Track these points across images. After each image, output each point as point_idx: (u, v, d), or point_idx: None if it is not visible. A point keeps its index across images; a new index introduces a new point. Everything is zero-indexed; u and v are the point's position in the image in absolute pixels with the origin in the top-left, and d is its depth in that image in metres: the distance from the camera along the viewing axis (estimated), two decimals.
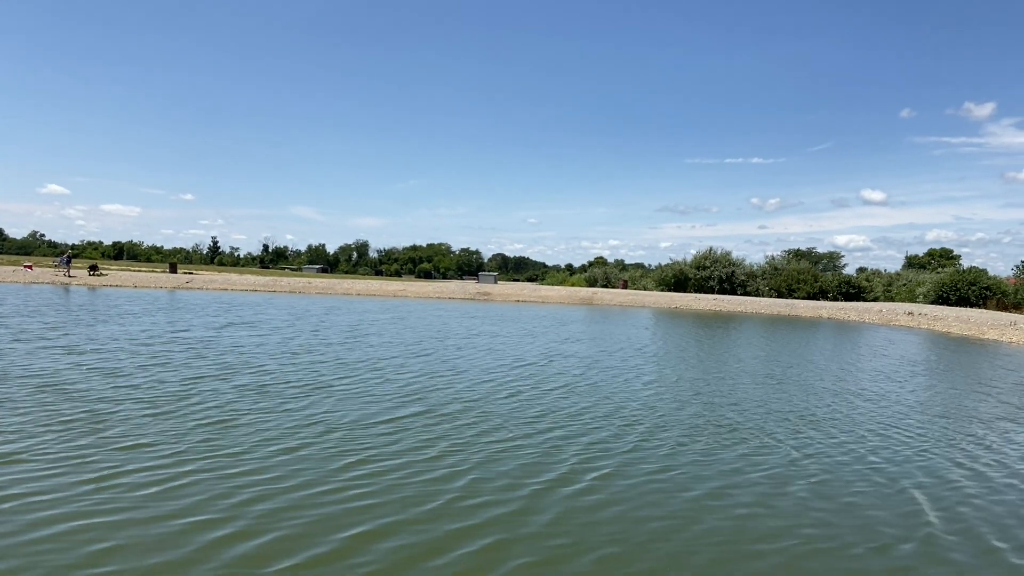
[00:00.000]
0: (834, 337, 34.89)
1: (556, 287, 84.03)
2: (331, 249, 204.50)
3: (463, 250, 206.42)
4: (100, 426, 10.79)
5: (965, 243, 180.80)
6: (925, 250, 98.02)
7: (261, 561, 6.61)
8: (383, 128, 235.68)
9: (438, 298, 57.95)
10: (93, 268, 61.00)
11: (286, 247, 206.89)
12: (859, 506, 8.88)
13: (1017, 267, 70.76)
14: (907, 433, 13.03)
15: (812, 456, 11.11)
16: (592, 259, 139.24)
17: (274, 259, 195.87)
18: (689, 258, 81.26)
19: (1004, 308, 55.68)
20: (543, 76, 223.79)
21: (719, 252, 79.36)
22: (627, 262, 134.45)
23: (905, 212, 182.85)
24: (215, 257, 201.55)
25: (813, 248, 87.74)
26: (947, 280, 62.61)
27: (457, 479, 9.16)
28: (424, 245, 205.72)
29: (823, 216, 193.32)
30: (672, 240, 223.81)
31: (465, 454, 10.29)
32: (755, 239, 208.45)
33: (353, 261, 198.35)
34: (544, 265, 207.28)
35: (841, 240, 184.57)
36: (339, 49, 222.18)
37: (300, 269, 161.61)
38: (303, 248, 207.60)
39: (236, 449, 9.98)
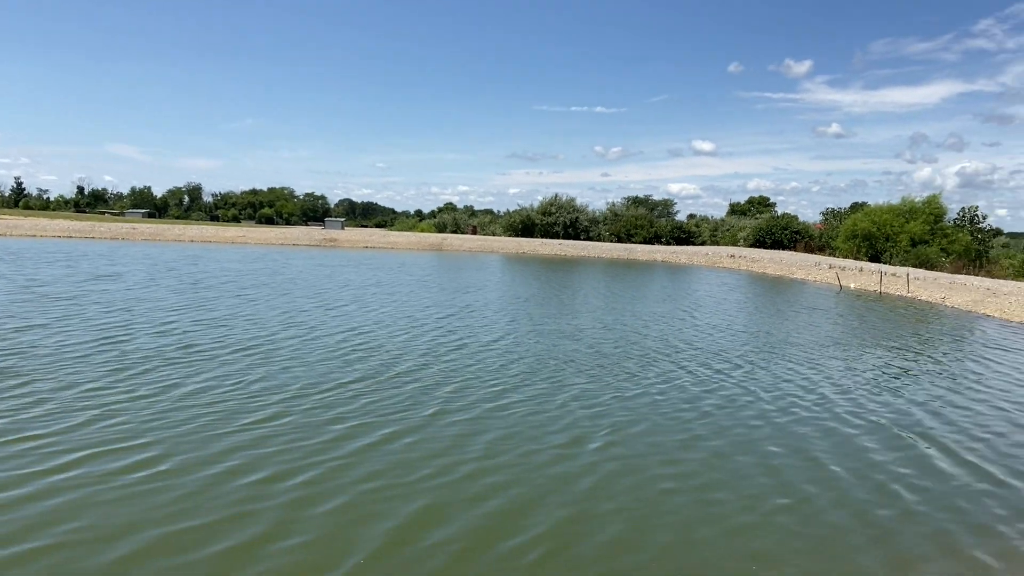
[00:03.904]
0: (669, 279, 37.52)
1: (406, 233, 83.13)
2: (158, 192, 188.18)
3: (308, 195, 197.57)
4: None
5: (781, 191, 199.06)
6: (747, 198, 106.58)
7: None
8: (213, 58, 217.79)
9: (281, 245, 55.50)
10: None
11: (105, 190, 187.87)
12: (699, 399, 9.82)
13: (823, 213, 78.93)
14: (742, 360, 14.45)
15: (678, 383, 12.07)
16: (442, 205, 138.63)
17: (91, 203, 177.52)
18: (536, 204, 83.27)
19: (811, 250, 62.14)
20: (391, 9, 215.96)
21: (564, 199, 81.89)
22: (476, 208, 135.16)
23: (731, 162, 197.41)
24: (20, 200, 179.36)
25: (650, 195, 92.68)
26: (764, 225, 68.79)
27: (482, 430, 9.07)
28: (265, 189, 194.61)
29: (660, 165, 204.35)
30: (521, 186, 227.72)
31: (472, 406, 10.18)
32: (598, 186, 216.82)
33: (185, 206, 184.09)
34: (393, 211, 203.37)
35: (675, 188, 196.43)
36: None
37: (123, 214, 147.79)
38: (125, 191, 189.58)
39: (237, 431, 9.23)
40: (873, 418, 10.84)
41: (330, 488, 7.22)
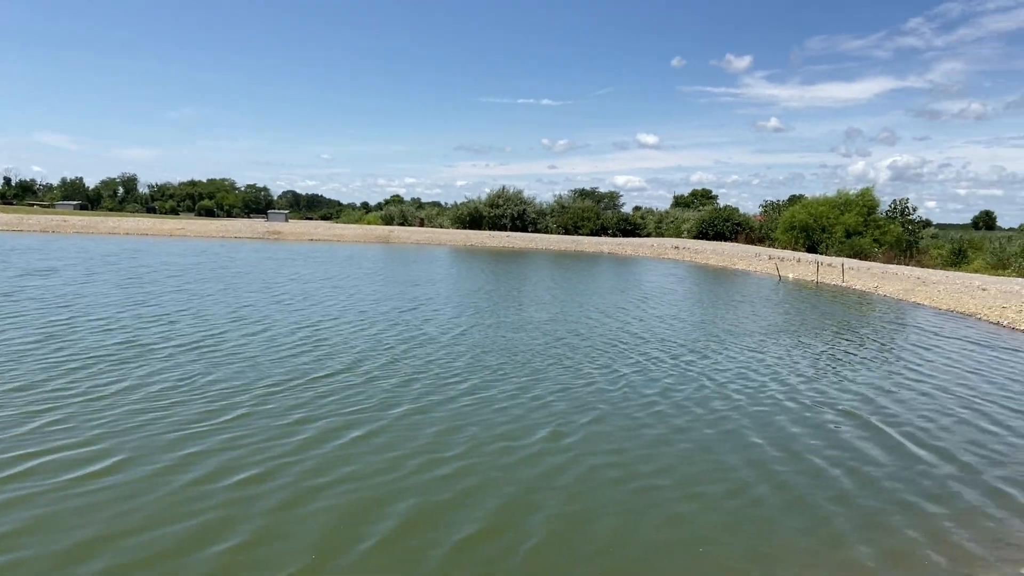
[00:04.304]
0: (617, 271, 37.99)
1: (352, 225, 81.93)
2: (91, 183, 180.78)
3: (249, 187, 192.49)
4: None
5: (723, 184, 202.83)
6: (690, 190, 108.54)
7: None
8: (149, 44, 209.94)
9: (223, 238, 54.09)
10: None
11: (34, 180, 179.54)
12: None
13: (763, 206, 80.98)
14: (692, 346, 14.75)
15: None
16: (389, 197, 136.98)
17: (19, 194, 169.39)
18: (484, 197, 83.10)
19: (752, 242, 63.73)
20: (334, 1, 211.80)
21: (512, 191, 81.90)
22: (424, 200, 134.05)
23: (674, 155, 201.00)
24: None
25: (596, 188, 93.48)
26: (707, 217, 70.25)
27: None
28: (204, 180, 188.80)
29: (606, 157, 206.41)
30: (468, 179, 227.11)
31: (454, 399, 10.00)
32: (545, 178, 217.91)
33: (119, 198, 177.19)
34: (339, 203, 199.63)
35: (620, 180, 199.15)
36: None
37: (53, 205, 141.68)
38: (55, 182, 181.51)
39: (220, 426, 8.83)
40: (813, 404, 11.17)
41: (274, 486, 7.05)
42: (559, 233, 76.12)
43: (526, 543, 6.23)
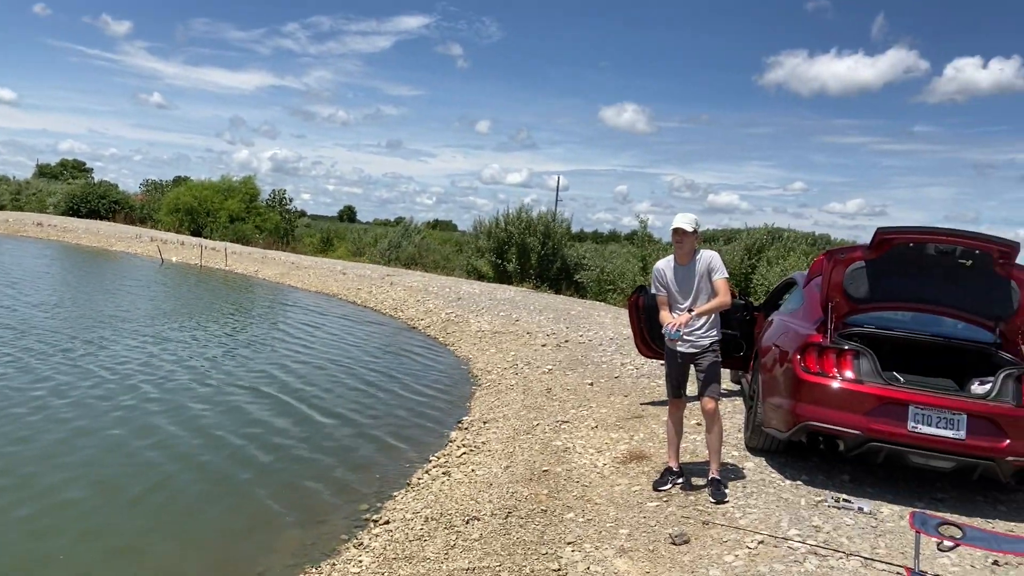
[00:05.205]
0: None
1: None
2: None
3: None
4: None
5: (99, 157, 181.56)
6: (59, 160, 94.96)
7: None
8: None
9: None
10: None
11: None
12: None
13: (145, 184, 76.62)
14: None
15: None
16: None
17: None
18: None
19: (132, 222, 59.62)
20: None
21: None
22: None
23: (38, 117, 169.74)
24: None
25: None
26: (79, 192, 62.76)
27: None
28: None
29: None
30: None
31: None
32: None
33: None
34: None
35: None
36: None
37: None
38: None
39: None
40: (223, 385, 11.38)
41: None
42: None
43: None
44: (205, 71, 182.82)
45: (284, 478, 7.88)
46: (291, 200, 58.77)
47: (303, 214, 66.92)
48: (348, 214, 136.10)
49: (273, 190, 59.15)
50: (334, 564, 5.80)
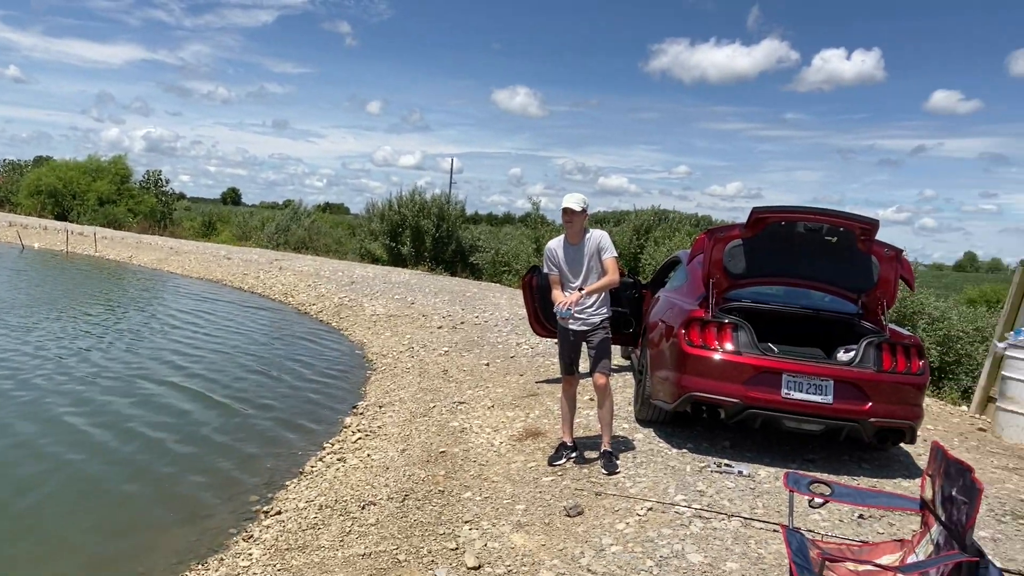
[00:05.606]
0: None
1: None
2: None
3: None
4: None
5: None
6: None
7: None
8: None
9: None
10: None
11: None
12: None
13: (2, 165, 70.09)
14: None
15: None
16: None
17: None
18: None
19: None
20: None
21: None
22: None
23: None
24: None
25: None
26: None
27: None
28: None
29: None
30: None
31: None
32: None
33: None
34: None
35: None
36: None
37: None
38: None
39: None
40: (130, 378, 10.81)
41: None
42: None
43: None
44: (67, 42, 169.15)
45: (166, 474, 7.46)
46: (168, 182, 55.77)
47: (182, 196, 63.79)
48: (232, 197, 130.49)
49: (148, 171, 55.70)
50: (222, 559, 5.57)
